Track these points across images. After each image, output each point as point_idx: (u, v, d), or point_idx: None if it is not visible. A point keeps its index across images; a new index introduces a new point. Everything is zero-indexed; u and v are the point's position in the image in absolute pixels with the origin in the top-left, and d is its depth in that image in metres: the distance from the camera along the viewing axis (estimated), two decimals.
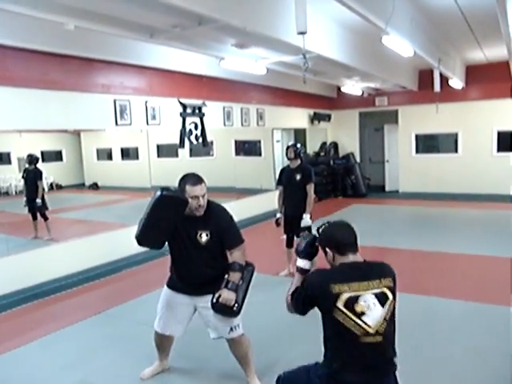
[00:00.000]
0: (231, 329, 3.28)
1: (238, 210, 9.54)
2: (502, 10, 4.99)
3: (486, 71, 11.65)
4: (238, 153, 11.46)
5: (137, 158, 11.06)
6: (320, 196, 12.59)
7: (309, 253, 2.50)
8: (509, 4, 4.95)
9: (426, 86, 10.97)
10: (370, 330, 2.12)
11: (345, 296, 2.14)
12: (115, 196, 11.78)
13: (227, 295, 3.12)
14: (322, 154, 13.55)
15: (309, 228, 5.78)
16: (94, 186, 11.93)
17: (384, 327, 2.15)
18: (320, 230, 2.45)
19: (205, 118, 8.46)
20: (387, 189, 13.89)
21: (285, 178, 5.95)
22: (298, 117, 12.55)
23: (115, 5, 4.41)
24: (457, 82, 11.00)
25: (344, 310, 2.13)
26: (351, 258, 2.30)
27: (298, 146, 5.91)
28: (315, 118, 13.06)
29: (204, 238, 3.17)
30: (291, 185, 5.84)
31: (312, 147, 13.50)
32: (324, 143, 13.85)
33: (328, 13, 6.29)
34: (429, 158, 13.10)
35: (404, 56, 6.94)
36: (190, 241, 3.20)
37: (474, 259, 6.77)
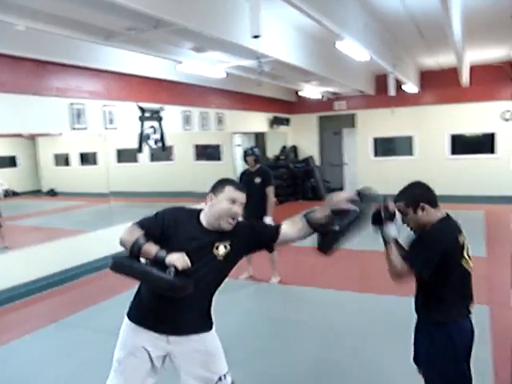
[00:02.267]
0: (220, 378, 2.43)
1: None
2: (447, 19, 5.15)
3: (439, 77, 12.02)
4: (198, 157, 11.37)
5: (95, 163, 10.83)
6: (280, 199, 12.65)
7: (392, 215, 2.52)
8: (453, 14, 5.12)
9: (382, 91, 11.19)
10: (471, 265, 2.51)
11: (466, 245, 2.47)
12: (73, 202, 11.49)
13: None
14: (282, 157, 13.63)
15: None
16: (52, 193, 11.58)
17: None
18: (403, 193, 2.55)
19: (163, 122, 8.39)
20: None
21: (245, 182, 5.94)
22: (258, 121, 12.59)
23: (68, 6, 4.29)
24: (411, 87, 11.29)
25: (466, 257, 2.47)
26: (441, 209, 2.51)
27: (256, 150, 5.91)
28: (275, 122, 13.14)
29: (221, 251, 2.40)
30: (251, 188, 5.81)
31: (272, 151, 13.57)
32: (284, 147, 13.94)
33: (285, 18, 6.33)
34: (386, 160, 13.38)
35: (359, 61, 7.06)
36: (199, 253, 2.33)
37: None
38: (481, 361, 3.57)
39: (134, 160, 10.07)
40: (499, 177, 11.92)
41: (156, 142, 8.35)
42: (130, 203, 9.36)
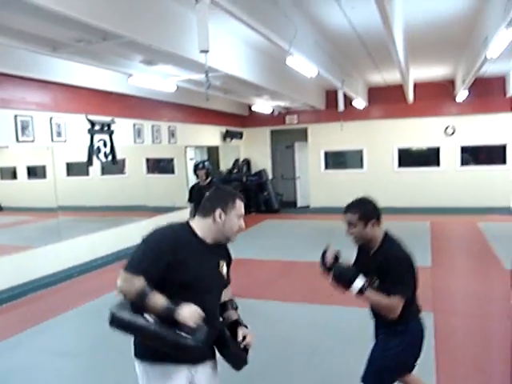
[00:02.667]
0: None
1: (150, 228, 9.35)
2: (390, 38, 5.37)
3: (386, 93, 12.43)
4: (151, 170, 11.25)
5: (44, 176, 10.52)
6: None
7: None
8: (395, 34, 5.35)
9: (332, 106, 11.47)
10: None
11: None
12: (21, 217, 11.08)
13: (251, 338, 2.37)
14: (235, 170, 13.67)
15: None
16: None
17: None
18: (356, 207, 2.62)
19: (114, 135, 8.27)
20: (299, 204, 14.28)
21: (195, 195, 5.93)
22: (211, 134, 12.61)
23: (13, 15, 4.19)
24: (360, 102, 11.63)
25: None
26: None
27: (206, 164, 5.91)
28: (227, 135, 13.20)
29: (224, 270, 2.28)
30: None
31: (225, 164, 13.59)
32: (237, 160, 14.00)
33: (237, 33, 6.42)
34: (337, 173, 13.66)
35: (308, 76, 7.21)
36: (212, 277, 2.20)
37: None
38: (426, 361, 3.72)
39: (85, 173, 9.85)
40: (444, 189, 12.43)
41: (106, 155, 8.22)
42: (80, 217, 9.13)
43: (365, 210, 2.58)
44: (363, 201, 2.66)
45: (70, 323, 5.29)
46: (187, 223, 2.22)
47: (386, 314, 2.49)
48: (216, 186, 2.36)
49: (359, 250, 2.79)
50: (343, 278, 2.52)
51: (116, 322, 1.96)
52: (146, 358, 2.09)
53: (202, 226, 2.18)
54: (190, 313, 1.93)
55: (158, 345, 1.95)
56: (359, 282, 2.47)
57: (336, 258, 2.65)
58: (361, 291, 2.47)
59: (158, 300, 1.93)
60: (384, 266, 2.51)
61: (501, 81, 11.83)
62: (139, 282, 1.93)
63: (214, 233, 2.17)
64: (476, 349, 4.25)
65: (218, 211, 2.16)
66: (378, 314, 2.64)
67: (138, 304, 1.93)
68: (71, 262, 7.32)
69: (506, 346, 4.25)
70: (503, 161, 12.26)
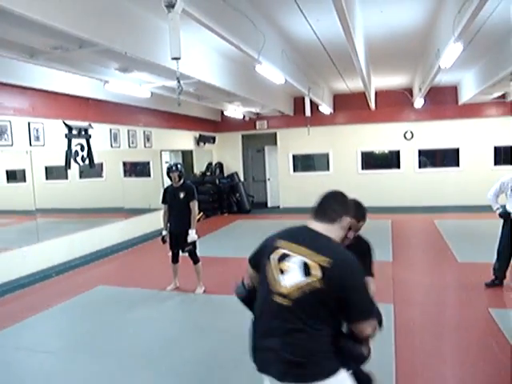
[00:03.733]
0: None
1: (126, 229, 9.32)
2: (352, 49, 5.48)
3: (350, 99, 12.63)
4: (129, 174, 11.13)
5: (24, 180, 10.28)
6: (207, 213, 12.66)
7: None
8: (357, 45, 5.46)
9: (300, 111, 11.58)
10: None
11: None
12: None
13: None
14: (208, 173, 13.67)
15: (194, 243, 5.82)
16: None
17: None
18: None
19: (91, 140, 8.16)
20: (269, 205, 14.37)
21: (169, 197, 5.91)
22: (185, 139, 12.57)
23: None
24: (326, 108, 11.77)
25: None
26: None
27: (179, 166, 5.90)
28: (201, 140, 13.18)
29: None
30: (175, 203, 5.81)
31: (199, 167, 13.57)
32: (210, 163, 13.99)
33: (209, 42, 6.43)
34: (305, 175, 13.79)
35: (276, 83, 7.28)
36: None
37: None
38: (385, 348, 3.85)
39: (64, 177, 9.69)
40: (403, 189, 12.73)
41: (84, 159, 8.11)
42: (59, 220, 8.97)
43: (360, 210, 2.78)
44: (352, 201, 2.48)
45: (49, 321, 5.20)
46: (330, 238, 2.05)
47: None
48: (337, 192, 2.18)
49: None
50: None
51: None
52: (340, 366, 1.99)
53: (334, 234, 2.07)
54: None
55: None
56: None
57: None
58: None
59: None
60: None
61: (453, 90, 12.19)
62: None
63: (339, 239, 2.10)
64: (432, 335, 4.37)
65: (348, 220, 2.11)
66: None
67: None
68: (49, 262, 7.19)
69: (459, 332, 4.40)
70: (457, 163, 12.66)
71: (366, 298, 1.96)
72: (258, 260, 2.16)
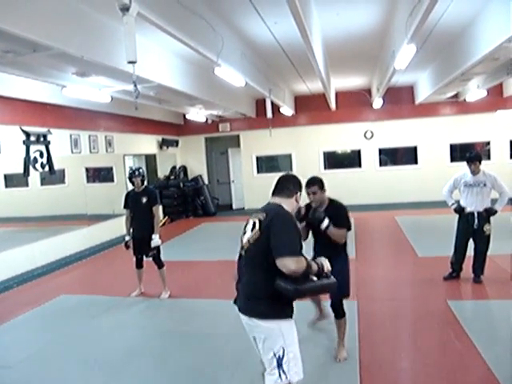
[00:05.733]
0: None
1: (89, 236, 9.11)
2: (310, 52, 5.55)
3: (311, 101, 12.80)
4: (92, 179, 10.91)
5: None
6: (172, 217, 12.54)
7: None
8: (315, 48, 5.54)
9: (262, 113, 11.62)
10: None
11: None
12: None
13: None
14: (172, 177, 13.53)
15: (158, 248, 5.75)
16: None
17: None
18: (314, 182, 3.71)
19: (51, 146, 7.95)
20: (234, 207, 14.34)
21: (131, 202, 5.81)
22: (148, 143, 12.42)
23: None
24: (287, 110, 11.87)
25: None
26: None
27: (141, 171, 5.81)
28: (164, 143, 13.05)
29: None
30: (138, 208, 5.72)
31: (163, 171, 13.41)
32: (174, 167, 13.86)
33: (168, 45, 6.36)
34: (268, 176, 13.71)
35: (236, 86, 7.28)
36: None
37: None
38: (350, 342, 3.95)
39: (25, 184, 9.40)
40: (365, 187, 12.96)
41: (43, 165, 7.89)
42: (20, 228, 8.68)
43: (320, 182, 3.73)
44: (317, 178, 3.76)
45: (8, 334, 5.00)
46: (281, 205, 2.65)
47: (340, 240, 3.67)
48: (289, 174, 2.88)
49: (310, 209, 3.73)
50: (317, 218, 3.62)
51: (300, 293, 2.48)
52: (281, 317, 2.54)
53: (288, 205, 2.67)
54: (326, 262, 2.55)
55: (318, 292, 3.01)
56: (326, 221, 3.60)
57: (307, 210, 3.71)
58: (327, 227, 3.58)
59: (313, 264, 2.47)
60: (335, 214, 3.66)
61: (410, 90, 12.52)
62: (304, 259, 2.43)
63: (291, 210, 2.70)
64: (394, 328, 4.47)
65: (298, 194, 2.75)
66: (328, 245, 3.65)
67: (305, 274, 2.42)
68: (9, 273, 6.95)
69: (420, 323, 4.52)
70: (415, 161, 13.00)
71: (285, 239, 2.44)
72: None
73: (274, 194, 2.72)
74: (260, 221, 2.53)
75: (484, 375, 3.44)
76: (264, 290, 2.50)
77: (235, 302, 2.72)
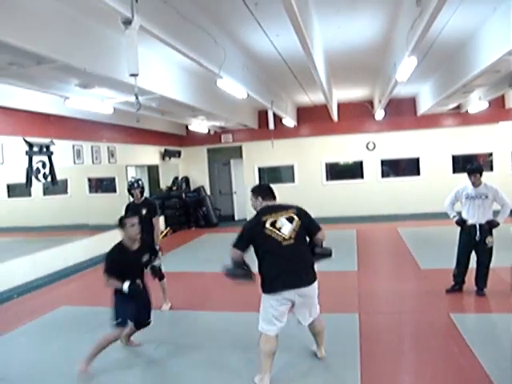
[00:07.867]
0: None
1: (91, 246, 9.09)
2: (312, 64, 5.58)
3: (313, 112, 12.84)
4: (94, 190, 10.93)
5: None
6: (174, 228, 12.53)
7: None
8: (317, 60, 5.56)
9: (264, 125, 11.66)
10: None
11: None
12: None
13: None
14: (175, 188, 13.56)
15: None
16: None
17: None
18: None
19: (53, 157, 7.98)
20: (236, 218, 14.31)
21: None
22: (150, 154, 12.46)
23: None
24: (289, 121, 11.90)
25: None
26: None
27: (141, 183, 5.80)
28: (166, 154, 13.09)
29: None
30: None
31: (165, 182, 13.45)
32: (176, 178, 13.89)
33: (170, 57, 6.40)
34: None
35: (239, 97, 7.31)
36: None
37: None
38: (350, 356, 3.92)
39: (27, 194, 9.43)
40: (367, 199, 12.93)
41: (45, 176, 7.92)
42: (22, 238, 8.67)
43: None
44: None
45: (7, 346, 4.96)
46: None
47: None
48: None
49: None
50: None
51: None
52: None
53: None
54: None
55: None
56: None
57: None
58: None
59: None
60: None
61: (412, 101, 12.56)
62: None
63: None
64: (396, 341, 4.42)
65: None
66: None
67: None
68: (10, 283, 6.94)
69: (422, 337, 4.48)
70: (417, 172, 12.99)
71: (314, 220, 3.75)
72: (250, 240, 3.61)
73: (272, 197, 3.80)
74: (295, 214, 3.61)
75: None
76: (311, 259, 3.65)
77: (288, 286, 3.51)
